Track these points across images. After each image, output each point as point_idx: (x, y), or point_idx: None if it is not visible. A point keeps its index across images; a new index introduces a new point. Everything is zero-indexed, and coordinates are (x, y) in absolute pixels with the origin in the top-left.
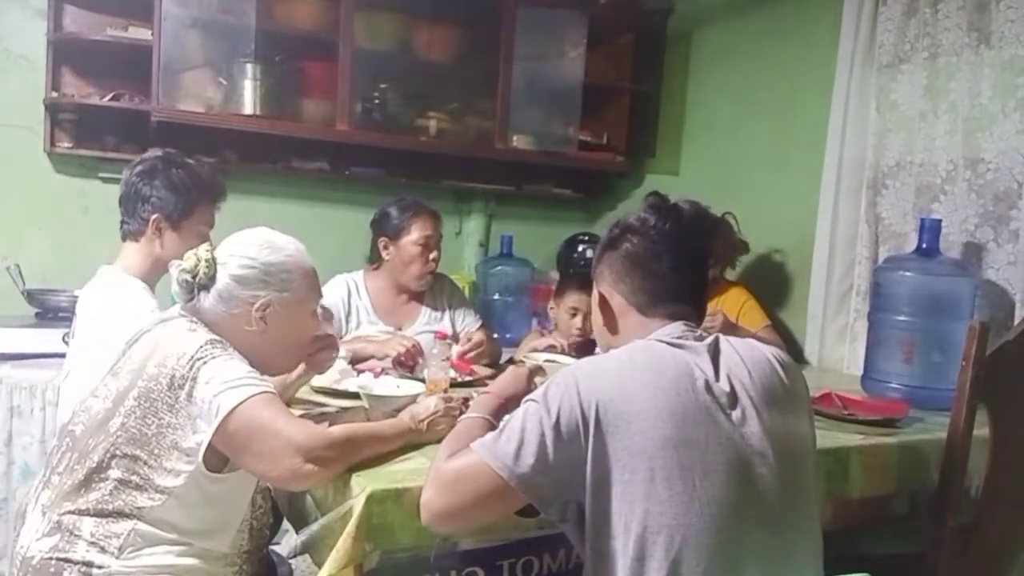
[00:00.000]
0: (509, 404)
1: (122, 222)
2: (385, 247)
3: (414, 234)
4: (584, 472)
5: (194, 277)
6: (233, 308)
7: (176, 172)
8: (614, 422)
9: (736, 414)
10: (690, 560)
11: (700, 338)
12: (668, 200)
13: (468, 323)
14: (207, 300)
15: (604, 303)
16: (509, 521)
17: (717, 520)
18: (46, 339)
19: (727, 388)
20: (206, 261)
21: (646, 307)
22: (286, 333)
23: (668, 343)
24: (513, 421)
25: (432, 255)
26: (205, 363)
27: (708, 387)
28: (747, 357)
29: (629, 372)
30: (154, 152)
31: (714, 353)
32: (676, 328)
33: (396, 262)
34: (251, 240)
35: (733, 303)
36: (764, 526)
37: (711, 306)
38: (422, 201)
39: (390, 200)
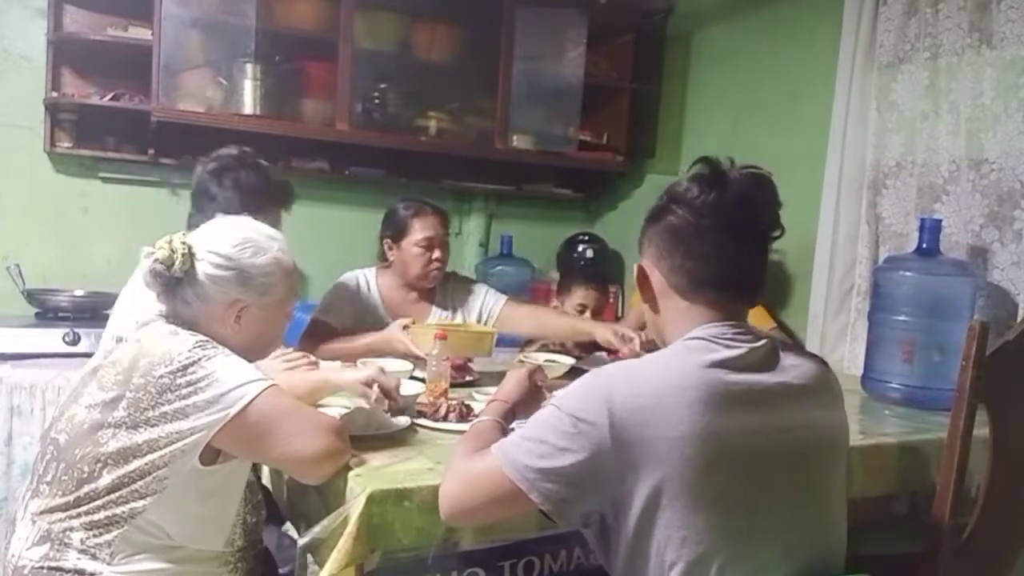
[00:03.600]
0: (517, 408)
1: (190, 215)
2: (389, 248)
3: (415, 235)
4: (612, 489)
5: (168, 268)
6: (208, 307)
7: (246, 173)
8: (653, 447)
9: (786, 433)
10: None
11: (752, 340)
12: (718, 166)
13: (492, 303)
14: (180, 295)
15: (644, 278)
16: (510, 521)
17: (759, 545)
18: (46, 339)
19: (778, 403)
20: (183, 254)
21: (686, 291)
22: (259, 333)
23: (715, 343)
24: (535, 428)
25: (435, 255)
26: (201, 364)
27: (757, 404)
28: (801, 367)
29: (672, 391)
30: (228, 150)
31: (766, 357)
32: (725, 329)
33: (400, 263)
34: (231, 237)
35: None
36: (803, 542)
37: None
38: (426, 200)
39: (397, 198)
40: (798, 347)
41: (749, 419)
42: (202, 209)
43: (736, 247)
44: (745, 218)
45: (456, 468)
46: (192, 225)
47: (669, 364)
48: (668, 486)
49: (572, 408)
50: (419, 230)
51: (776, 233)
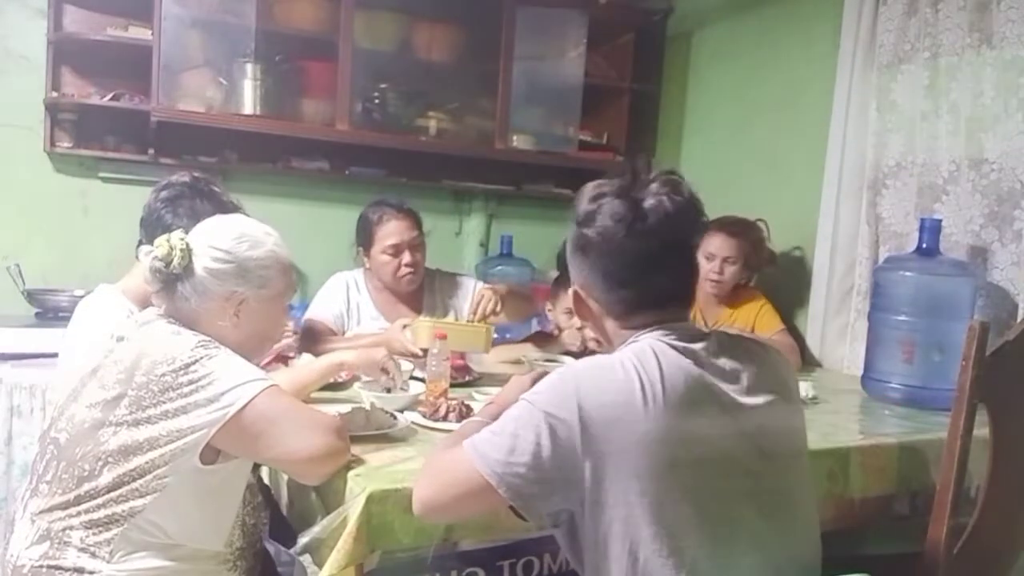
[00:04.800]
0: None
1: (139, 242)
2: (363, 255)
3: (381, 243)
4: (581, 486)
5: (167, 266)
6: (206, 302)
7: (201, 201)
8: (620, 442)
9: (744, 422)
10: None
11: (699, 338)
12: (636, 195)
13: (477, 290)
14: (180, 292)
15: (580, 303)
16: (509, 521)
17: (728, 537)
18: (46, 339)
19: (733, 395)
20: (181, 250)
21: (624, 317)
22: (257, 327)
23: (671, 346)
24: (506, 423)
25: (405, 259)
26: (203, 363)
27: (716, 397)
28: (747, 360)
29: (639, 386)
30: (181, 177)
31: (715, 355)
32: (672, 329)
33: (374, 270)
34: (228, 232)
35: (750, 309)
36: (772, 535)
37: (727, 314)
38: (391, 203)
39: (368, 203)
40: (746, 339)
41: (713, 412)
42: (152, 238)
43: (661, 270)
44: (664, 241)
45: (427, 464)
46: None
47: (636, 361)
48: (636, 482)
49: (543, 404)
50: (384, 237)
51: (698, 232)
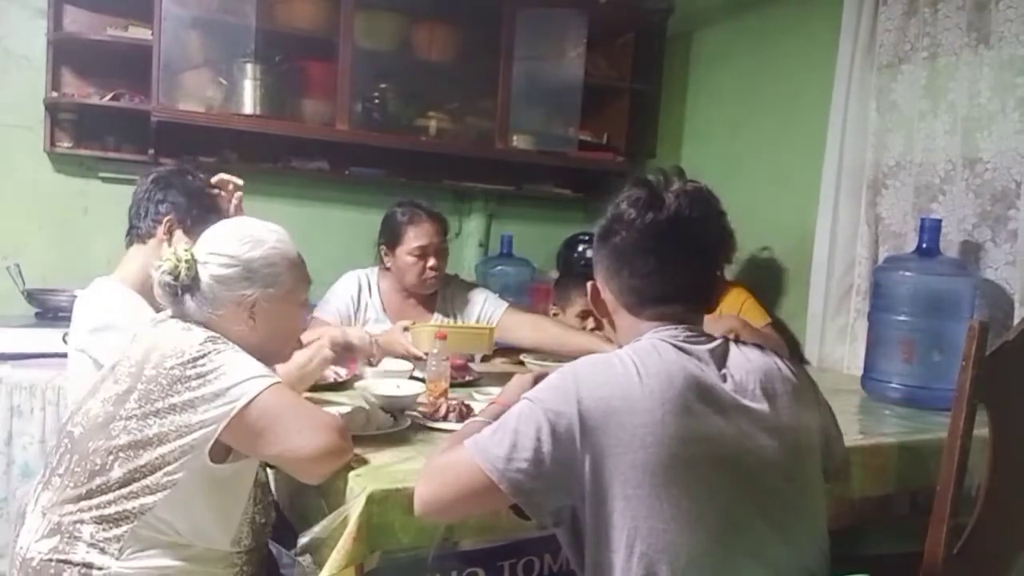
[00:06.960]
0: None
1: (130, 228)
2: (386, 254)
3: (408, 243)
4: (581, 480)
5: (176, 279)
6: (219, 309)
7: (192, 180)
8: (617, 434)
9: (746, 425)
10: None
11: (706, 341)
12: (655, 187)
13: (492, 310)
14: (192, 303)
15: (596, 296)
16: (510, 521)
17: (725, 536)
18: (46, 339)
19: (736, 397)
20: (186, 262)
21: (635, 308)
22: (276, 327)
23: (675, 346)
24: (507, 421)
25: (430, 263)
26: (211, 358)
27: (717, 398)
28: (755, 363)
29: (636, 380)
30: (168, 166)
31: (721, 358)
32: (679, 331)
33: (396, 270)
34: (230, 236)
35: (732, 303)
36: (773, 537)
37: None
38: (422, 205)
39: (395, 202)
40: (757, 346)
41: (712, 411)
42: (146, 215)
43: (678, 263)
44: (683, 236)
45: (428, 464)
46: (134, 236)
47: (634, 357)
48: (633, 475)
49: (544, 400)
50: (413, 238)
51: (724, 244)
